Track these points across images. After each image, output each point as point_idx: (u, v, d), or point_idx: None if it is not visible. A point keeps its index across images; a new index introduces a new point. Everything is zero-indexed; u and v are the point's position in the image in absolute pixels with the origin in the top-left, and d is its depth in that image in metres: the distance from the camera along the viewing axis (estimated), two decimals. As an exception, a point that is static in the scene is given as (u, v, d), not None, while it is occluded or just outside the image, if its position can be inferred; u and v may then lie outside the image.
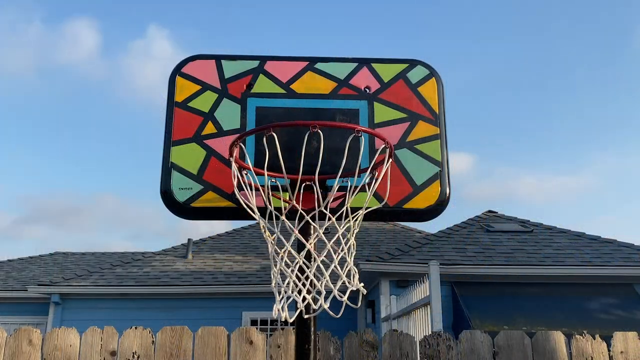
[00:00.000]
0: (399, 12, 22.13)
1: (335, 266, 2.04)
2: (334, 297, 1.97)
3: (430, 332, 4.89)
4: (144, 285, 11.39)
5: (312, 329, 2.22)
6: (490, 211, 11.92)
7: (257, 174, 2.18)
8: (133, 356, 2.74)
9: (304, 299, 2.03)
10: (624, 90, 24.34)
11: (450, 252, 9.55)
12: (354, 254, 2.11)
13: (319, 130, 2.05)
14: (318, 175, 2.09)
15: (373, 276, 9.54)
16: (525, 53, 23.41)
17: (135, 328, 2.80)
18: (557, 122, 26.80)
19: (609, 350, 2.96)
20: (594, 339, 2.97)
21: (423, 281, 5.90)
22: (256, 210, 2.17)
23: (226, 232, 14.58)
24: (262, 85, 2.51)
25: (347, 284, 2.04)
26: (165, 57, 27.09)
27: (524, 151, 28.96)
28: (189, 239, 13.16)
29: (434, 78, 2.59)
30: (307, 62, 2.56)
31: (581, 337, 2.96)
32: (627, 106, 24.82)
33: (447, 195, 2.42)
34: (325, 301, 2.00)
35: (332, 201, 2.19)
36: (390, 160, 2.26)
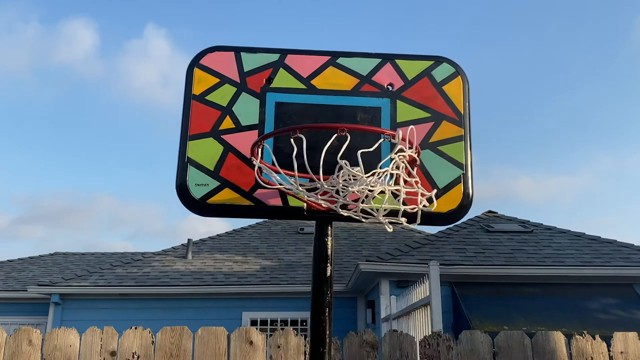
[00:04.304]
0: (397, 12, 22.13)
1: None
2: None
3: (430, 333, 4.88)
4: (143, 286, 11.39)
5: (327, 332, 2.16)
6: (490, 211, 11.92)
7: (277, 173, 2.13)
8: (133, 356, 2.74)
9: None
10: (622, 90, 24.33)
11: (450, 252, 9.54)
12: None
13: (347, 134, 1.97)
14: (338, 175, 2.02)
15: (373, 276, 9.54)
16: (523, 53, 23.40)
17: (135, 328, 2.79)
18: (555, 122, 26.79)
19: (609, 351, 2.95)
20: (594, 339, 2.97)
21: (423, 281, 5.89)
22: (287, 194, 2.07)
23: (226, 232, 14.58)
24: (282, 79, 2.41)
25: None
26: (163, 56, 27.07)
27: (522, 151, 28.96)
28: (188, 239, 13.16)
29: (459, 77, 2.47)
30: (329, 57, 2.45)
31: (581, 337, 2.96)
32: (624, 106, 24.82)
33: (470, 198, 2.32)
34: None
35: (352, 201, 2.10)
36: (417, 164, 2.18)
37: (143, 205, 40.23)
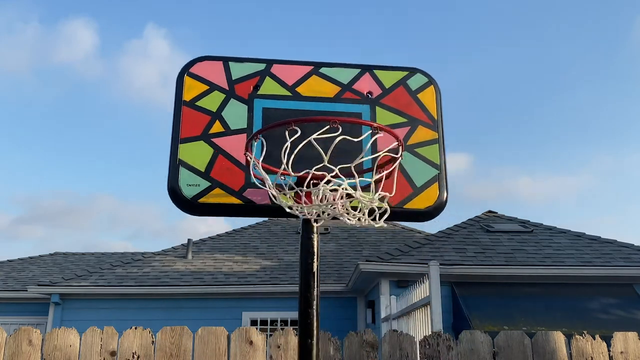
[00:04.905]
0: (397, 14, 22.14)
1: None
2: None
3: (430, 332, 4.88)
4: (143, 286, 11.39)
5: (315, 324, 2.25)
6: (490, 211, 11.92)
7: (267, 171, 2.23)
8: (133, 356, 2.74)
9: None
10: (622, 90, 24.35)
11: (450, 252, 9.55)
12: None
13: (339, 126, 2.09)
14: (324, 174, 2.11)
15: (373, 276, 9.54)
16: (523, 53, 23.42)
17: (135, 328, 2.80)
18: (555, 122, 26.80)
19: (609, 351, 2.96)
20: (594, 339, 2.97)
21: (423, 281, 5.90)
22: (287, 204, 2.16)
23: (226, 232, 14.59)
24: (269, 87, 2.57)
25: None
26: (163, 56, 27.07)
27: (522, 151, 28.97)
28: (188, 239, 13.16)
29: (432, 86, 2.69)
30: (312, 67, 2.64)
31: (581, 337, 2.96)
32: (624, 106, 24.82)
33: (445, 196, 2.51)
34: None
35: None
36: (400, 158, 2.32)
37: (143, 205, 40.25)
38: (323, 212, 2.13)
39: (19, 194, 34.87)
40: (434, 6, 22.37)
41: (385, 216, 2.18)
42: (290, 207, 2.18)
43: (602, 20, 21.32)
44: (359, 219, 2.19)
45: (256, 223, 14.95)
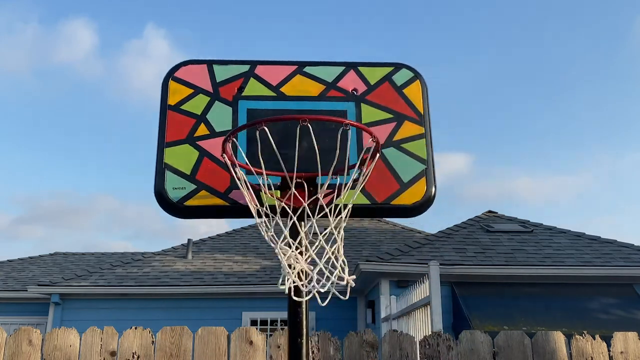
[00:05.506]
0: (396, 13, 22.14)
1: (324, 264, 2.06)
2: (330, 293, 1.98)
3: (430, 332, 4.88)
4: (143, 286, 11.39)
5: (304, 322, 2.25)
6: (490, 211, 11.92)
7: (249, 172, 2.24)
8: (133, 356, 2.74)
9: (294, 282, 2.05)
10: (622, 90, 24.36)
11: (450, 252, 9.54)
12: (342, 246, 2.13)
13: (309, 125, 2.09)
14: (308, 173, 2.12)
15: (373, 276, 9.54)
16: (523, 52, 23.42)
17: (135, 328, 2.80)
18: (555, 121, 26.81)
19: (609, 351, 2.96)
20: (594, 339, 2.97)
21: (423, 281, 5.90)
22: (255, 204, 2.17)
23: (226, 232, 14.58)
24: (253, 88, 2.58)
25: (340, 274, 2.05)
26: (163, 56, 27.05)
27: (522, 151, 28.98)
28: (188, 239, 13.16)
29: (418, 80, 2.67)
30: (296, 66, 2.64)
31: (581, 337, 2.96)
32: (624, 106, 24.82)
33: (433, 191, 2.49)
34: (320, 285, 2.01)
35: (322, 198, 2.23)
36: (378, 155, 2.30)
37: (143, 205, 40.27)
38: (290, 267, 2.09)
39: (19, 194, 34.88)
40: (433, 7, 22.38)
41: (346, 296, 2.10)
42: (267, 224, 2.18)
43: (602, 20, 21.34)
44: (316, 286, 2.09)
45: (255, 223, 14.91)
